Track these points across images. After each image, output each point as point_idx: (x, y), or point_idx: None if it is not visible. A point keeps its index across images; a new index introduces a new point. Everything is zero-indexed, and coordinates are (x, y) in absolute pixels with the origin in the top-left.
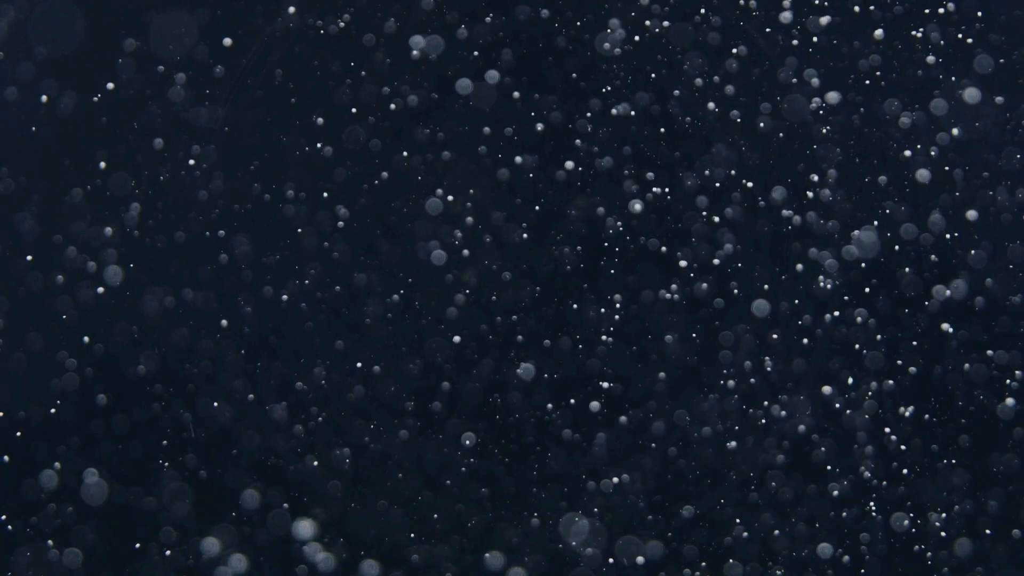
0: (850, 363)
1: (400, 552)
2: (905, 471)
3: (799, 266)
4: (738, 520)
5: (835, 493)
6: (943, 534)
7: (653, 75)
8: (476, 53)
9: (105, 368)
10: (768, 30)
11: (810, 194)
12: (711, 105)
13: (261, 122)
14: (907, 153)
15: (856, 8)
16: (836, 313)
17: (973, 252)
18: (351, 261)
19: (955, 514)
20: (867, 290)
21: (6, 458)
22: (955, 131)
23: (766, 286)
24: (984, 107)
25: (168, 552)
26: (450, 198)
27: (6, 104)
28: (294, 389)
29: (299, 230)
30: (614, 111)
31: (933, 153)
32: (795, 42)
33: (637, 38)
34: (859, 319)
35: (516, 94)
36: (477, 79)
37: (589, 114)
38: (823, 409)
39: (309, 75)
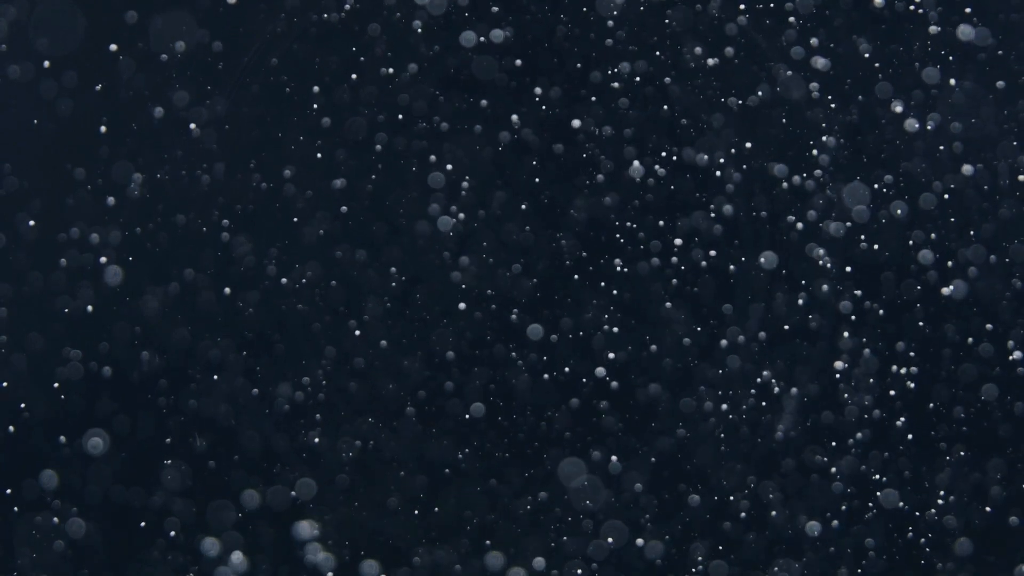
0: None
1: (402, 552)
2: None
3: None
4: (742, 514)
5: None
6: (946, 533)
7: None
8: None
9: (106, 368)
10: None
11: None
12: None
13: (262, 117)
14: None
15: None
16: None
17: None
18: (355, 255)
19: (957, 512)
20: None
21: (7, 458)
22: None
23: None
24: (978, 47)
25: (168, 552)
26: (452, 175)
27: (6, 104)
28: (299, 386)
29: (302, 224)
30: (617, 88)
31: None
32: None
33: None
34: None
35: (518, 61)
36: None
37: (592, 96)
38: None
39: (310, 67)
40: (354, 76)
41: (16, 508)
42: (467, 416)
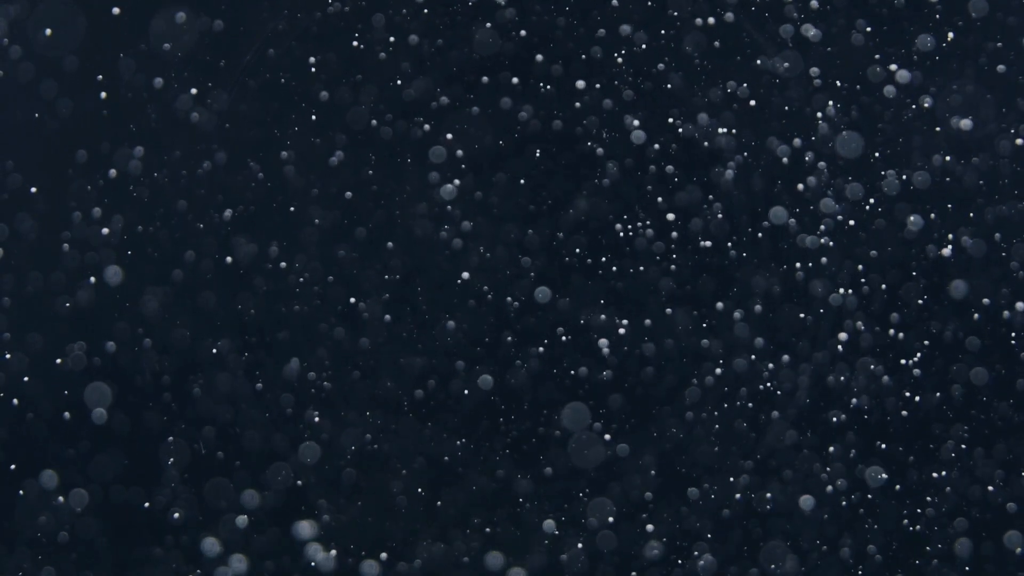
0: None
1: (404, 551)
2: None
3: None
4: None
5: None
6: (948, 531)
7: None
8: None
9: (107, 368)
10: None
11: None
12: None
13: (264, 111)
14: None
15: None
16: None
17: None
18: (359, 246)
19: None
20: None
21: (8, 457)
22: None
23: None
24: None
25: (169, 552)
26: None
27: (6, 103)
28: (301, 383)
29: (305, 217)
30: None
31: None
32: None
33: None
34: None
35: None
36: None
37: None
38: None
39: (310, 61)
40: (356, 63)
41: (16, 508)
42: (476, 391)
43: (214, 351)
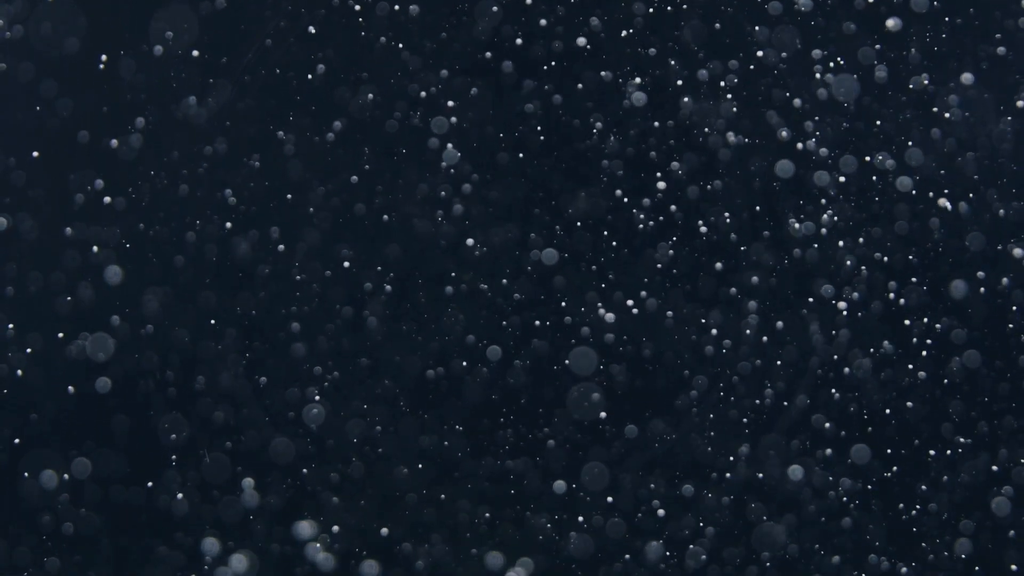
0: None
1: (407, 551)
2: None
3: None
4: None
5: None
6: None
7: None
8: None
9: (110, 368)
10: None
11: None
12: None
13: (264, 109)
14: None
15: None
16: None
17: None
18: (362, 249)
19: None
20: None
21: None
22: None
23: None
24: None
25: (169, 552)
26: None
27: (7, 103)
28: (303, 381)
29: (307, 215)
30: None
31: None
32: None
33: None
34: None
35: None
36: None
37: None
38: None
39: (310, 57)
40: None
41: (18, 507)
42: (485, 360)
43: (219, 346)
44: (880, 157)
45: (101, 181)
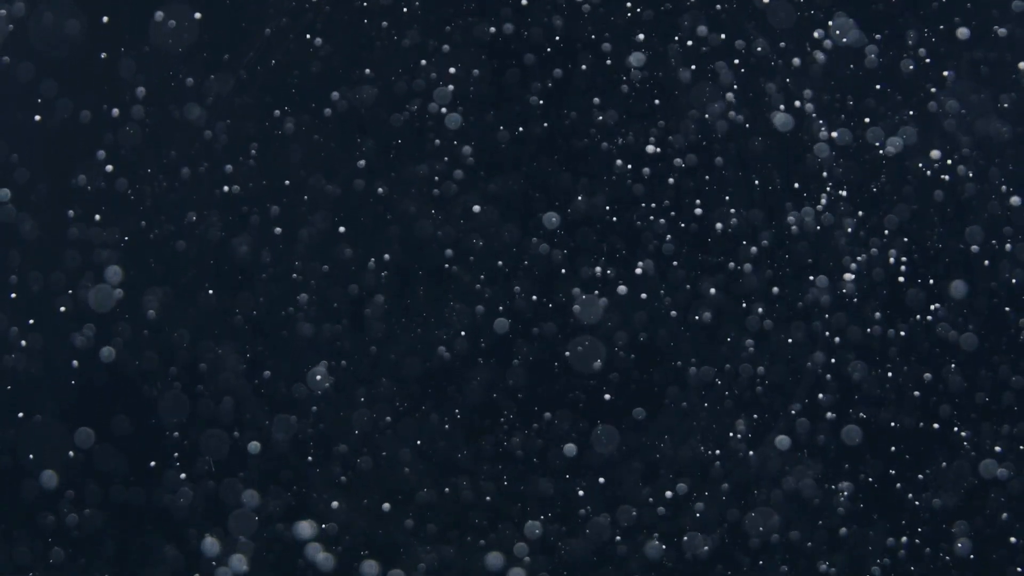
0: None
1: (409, 552)
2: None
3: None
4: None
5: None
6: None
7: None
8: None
9: (111, 368)
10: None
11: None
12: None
13: (265, 108)
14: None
15: None
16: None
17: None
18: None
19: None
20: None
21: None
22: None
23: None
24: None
25: (169, 552)
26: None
27: (7, 103)
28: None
29: (307, 215)
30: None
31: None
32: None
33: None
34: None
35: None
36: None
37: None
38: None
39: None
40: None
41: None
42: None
43: (220, 345)
44: (876, 133)
45: (109, 165)
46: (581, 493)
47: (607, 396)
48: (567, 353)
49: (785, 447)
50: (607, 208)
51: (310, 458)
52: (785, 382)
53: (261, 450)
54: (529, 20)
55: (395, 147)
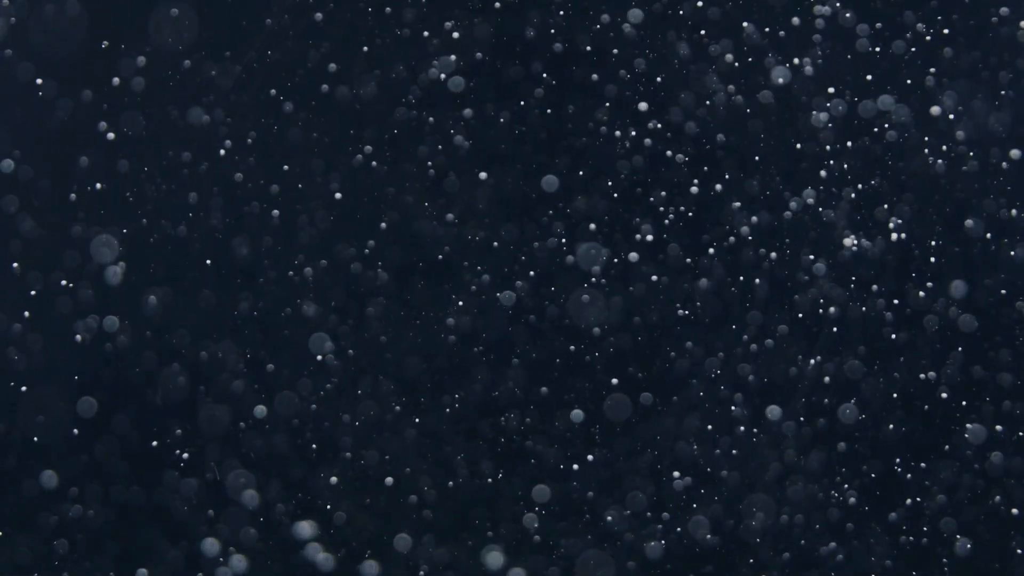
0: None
1: (408, 551)
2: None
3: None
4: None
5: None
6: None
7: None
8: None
9: (112, 369)
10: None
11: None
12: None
13: (268, 106)
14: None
15: None
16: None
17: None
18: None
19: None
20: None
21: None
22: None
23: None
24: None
25: (170, 552)
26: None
27: (7, 103)
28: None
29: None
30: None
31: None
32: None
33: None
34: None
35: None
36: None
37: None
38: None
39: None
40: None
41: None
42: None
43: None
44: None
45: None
46: (586, 489)
47: (614, 381)
48: (569, 305)
49: (776, 417)
50: (609, 189)
51: (311, 453)
52: (787, 376)
53: (261, 450)
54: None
55: (396, 136)
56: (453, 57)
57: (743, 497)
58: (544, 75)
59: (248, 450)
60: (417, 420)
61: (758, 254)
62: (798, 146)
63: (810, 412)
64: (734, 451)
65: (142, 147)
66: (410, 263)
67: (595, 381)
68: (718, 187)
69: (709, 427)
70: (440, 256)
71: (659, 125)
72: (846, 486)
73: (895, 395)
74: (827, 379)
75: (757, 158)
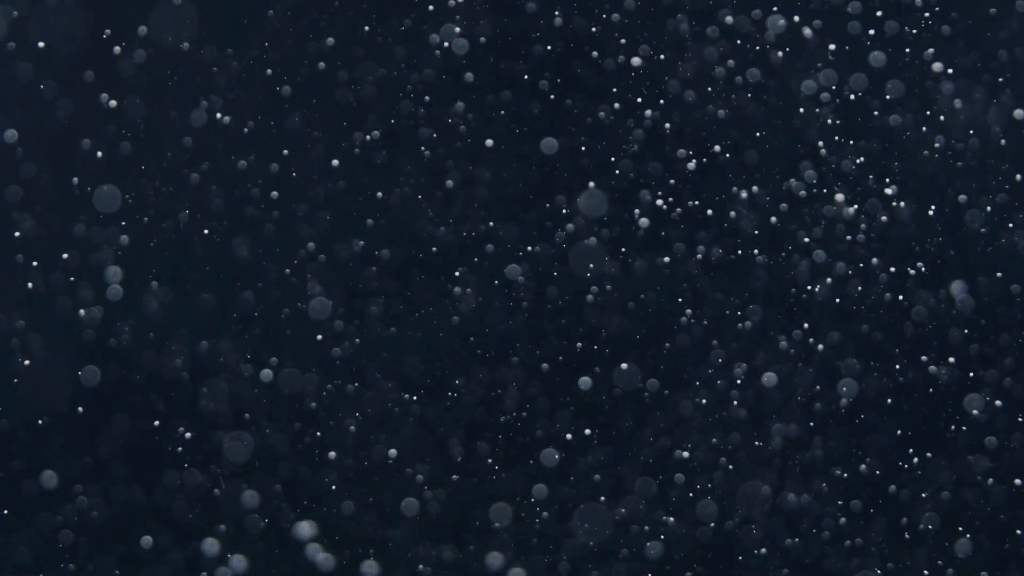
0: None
1: (407, 551)
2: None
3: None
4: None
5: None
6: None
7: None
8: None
9: (113, 369)
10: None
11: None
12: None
13: (268, 105)
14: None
15: None
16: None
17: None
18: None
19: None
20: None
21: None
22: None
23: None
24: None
25: (170, 553)
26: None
27: (7, 103)
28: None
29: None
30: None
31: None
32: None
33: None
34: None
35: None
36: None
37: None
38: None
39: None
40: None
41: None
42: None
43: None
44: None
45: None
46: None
47: (624, 365)
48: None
49: (772, 383)
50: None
51: (312, 457)
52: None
53: (261, 451)
54: None
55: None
56: (457, 29)
57: (743, 497)
58: (545, 62)
59: (248, 450)
60: (419, 411)
61: (756, 242)
62: (798, 147)
63: (809, 409)
64: (733, 450)
65: (142, 146)
66: (410, 256)
67: (597, 378)
68: (717, 179)
69: (709, 420)
70: (435, 249)
71: (656, 113)
72: (844, 486)
73: (893, 392)
74: (823, 377)
75: (757, 155)
